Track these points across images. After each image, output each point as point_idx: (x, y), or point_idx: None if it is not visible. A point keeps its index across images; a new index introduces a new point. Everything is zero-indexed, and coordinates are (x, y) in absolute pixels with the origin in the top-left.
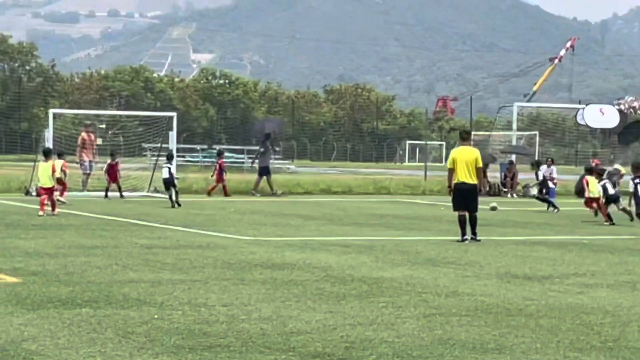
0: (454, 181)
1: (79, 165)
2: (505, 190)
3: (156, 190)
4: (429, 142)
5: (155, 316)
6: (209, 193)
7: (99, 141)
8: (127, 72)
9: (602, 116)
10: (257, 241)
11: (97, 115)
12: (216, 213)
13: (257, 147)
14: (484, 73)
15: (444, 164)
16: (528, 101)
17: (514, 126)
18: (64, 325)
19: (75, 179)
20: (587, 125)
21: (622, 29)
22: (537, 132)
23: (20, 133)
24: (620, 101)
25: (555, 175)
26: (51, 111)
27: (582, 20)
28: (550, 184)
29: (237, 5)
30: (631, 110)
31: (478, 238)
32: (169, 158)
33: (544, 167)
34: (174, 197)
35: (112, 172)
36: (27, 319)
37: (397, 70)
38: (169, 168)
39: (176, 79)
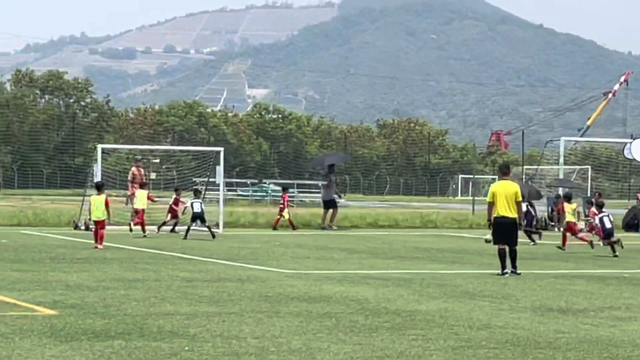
0: (494, 215)
1: (128, 199)
2: (552, 224)
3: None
4: (480, 176)
5: (186, 348)
6: (274, 227)
7: (153, 175)
8: (181, 108)
9: None
10: (297, 274)
11: (151, 150)
12: (260, 247)
13: (309, 182)
14: (539, 107)
15: None
16: (582, 135)
17: (561, 160)
18: (95, 357)
19: (125, 213)
20: (634, 159)
21: None
22: (589, 167)
23: (75, 168)
24: None
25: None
26: (99, 146)
27: (636, 54)
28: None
29: (291, 41)
30: None
31: (518, 271)
32: (197, 193)
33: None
34: (211, 229)
35: (174, 208)
36: (59, 350)
37: (452, 105)
38: (200, 203)
39: (230, 114)
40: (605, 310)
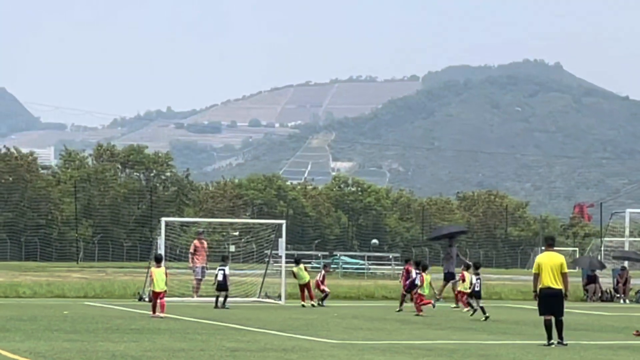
0: (540, 286)
1: (192, 271)
2: (618, 295)
3: (267, 296)
4: (561, 248)
5: None
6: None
7: (232, 248)
8: (260, 181)
9: None
10: (343, 345)
11: (210, 223)
12: (317, 317)
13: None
14: (625, 179)
15: (577, 269)
16: None
17: (627, 232)
18: None
19: (186, 285)
20: None
21: None
22: None
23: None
24: None
25: None
26: (163, 219)
27: None
28: None
29: (375, 114)
30: None
31: (565, 342)
32: (224, 260)
33: None
34: (221, 300)
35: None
36: None
37: (537, 177)
38: (224, 271)
39: (309, 187)
40: None
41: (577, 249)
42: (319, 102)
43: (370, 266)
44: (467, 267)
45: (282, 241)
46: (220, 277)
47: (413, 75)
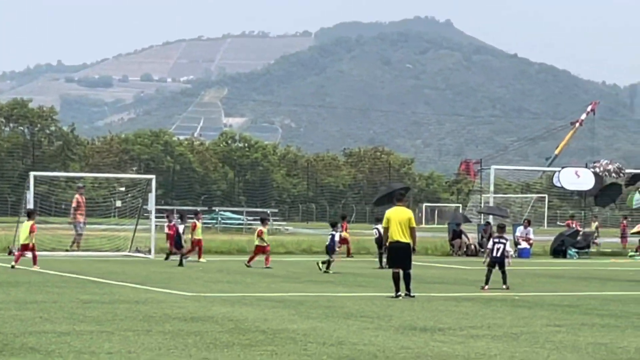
0: (389, 240)
1: (73, 226)
2: (482, 250)
3: (137, 250)
4: (446, 204)
5: None
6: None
7: (118, 203)
8: (147, 136)
9: (577, 179)
10: (196, 297)
11: (80, 178)
12: (181, 271)
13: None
14: (514, 136)
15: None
16: (549, 165)
17: (491, 188)
18: None
19: (58, 239)
20: (562, 188)
21: None
22: (546, 195)
23: (39, 196)
24: (595, 164)
25: (532, 236)
26: (32, 174)
27: (610, 84)
28: (526, 244)
29: (268, 70)
30: (606, 173)
31: (412, 294)
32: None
33: (520, 228)
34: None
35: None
36: None
37: (427, 134)
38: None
39: (196, 143)
40: (465, 329)
41: (460, 205)
42: (211, 57)
43: (249, 222)
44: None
45: (152, 196)
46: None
47: (305, 31)
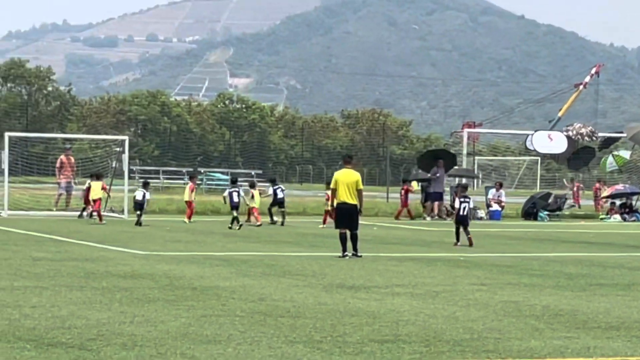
0: (336, 201)
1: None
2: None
3: (112, 210)
4: None
5: None
6: (396, 217)
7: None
8: (144, 97)
9: (550, 142)
10: (146, 255)
11: (67, 139)
12: (145, 231)
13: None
14: (520, 98)
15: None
16: (552, 127)
17: (464, 151)
18: None
19: (36, 199)
20: (535, 151)
21: None
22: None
23: (37, 156)
24: (568, 128)
25: (503, 198)
26: (7, 134)
27: (618, 46)
28: (498, 207)
29: (274, 30)
30: (579, 136)
31: (359, 254)
32: (145, 185)
33: (492, 191)
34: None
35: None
36: None
37: (433, 96)
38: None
39: (193, 104)
40: (390, 287)
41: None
42: (217, 17)
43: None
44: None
45: (125, 157)
46: (139, 197)
47: None
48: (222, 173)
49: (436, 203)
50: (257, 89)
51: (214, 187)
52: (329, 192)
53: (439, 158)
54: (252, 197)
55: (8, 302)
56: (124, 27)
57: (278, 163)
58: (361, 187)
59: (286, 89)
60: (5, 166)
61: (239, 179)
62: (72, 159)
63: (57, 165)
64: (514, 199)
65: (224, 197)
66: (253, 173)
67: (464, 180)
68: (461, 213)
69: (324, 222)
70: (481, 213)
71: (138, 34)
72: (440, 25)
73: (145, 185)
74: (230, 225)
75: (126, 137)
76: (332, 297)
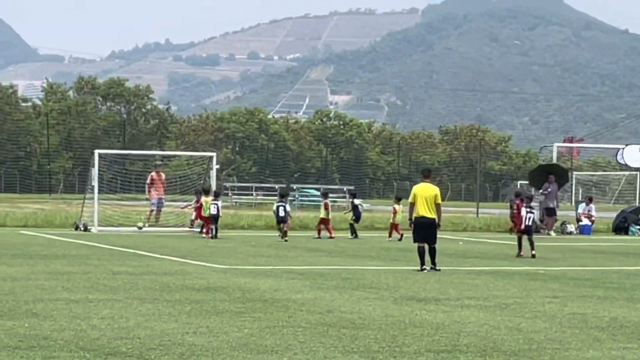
0: (414, 215)
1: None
2: (543, 227)
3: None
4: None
5: (26, 325)
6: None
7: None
8: (242, 114)
9: None
10: (225, 269)
11: (152, 155)
12: (229, 246)
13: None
14: (623, 113)
15: None
16: None
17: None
18: None
19: (127, 215)
20: (626, 165)
21: None
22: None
23: (136, 173)
24: None
25: (593, 213)
26: (96, 151)
27: None
28: (588, 221)
29: (374, 47)
30: None
31: (438, 268)
32: (216, 195)
33: (582, 205)
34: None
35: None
36: None
37: (535, 111)
38: (284, 206)
39: (290, 121)
40: (461, 300)
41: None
42: (317, 35)
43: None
44: (399, 200)
45: (213, 173)
46: (213, 210)
47: (412, 7)
48: (316, 189)
49: (551, 218)
50: (358, 105)
51: (306, 203)
52: (396, 206)
53: (551, 173)
54: (326, 207)
55: (78, 313)
56: (225, 45)
57: (375, 179)
58: (439, 201)
59: (387, 106)
60: (95, 183)
61: (331, 195)
62: (163, 176)
63: (148, 181)
64: (611, 214)
65: (273, 211)
66: (345, 189)
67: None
68: (526, 223)
69: (390, 236)
70: (571, 227)
71: (239, 52)
72: (543, 40)
73: (217, 196)
74: (280, 239)
75: (214, 154)
76: (400, 309)
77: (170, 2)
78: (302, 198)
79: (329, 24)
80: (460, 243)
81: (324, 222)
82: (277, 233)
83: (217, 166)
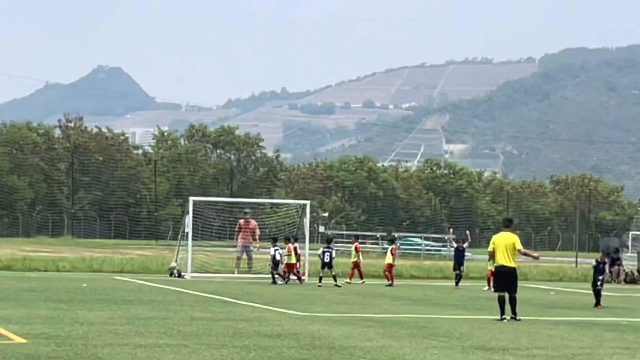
0: (495, 264)
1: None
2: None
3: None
4: None
5: None
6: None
7: (322, 229)
8: (352, 163)
9: None
10: (302, 316)
11: (237, 203)
12: (315, 293)
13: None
14: None
15: None
16: None
17: None
18: None
19: (220, 262)
20: None
21: None
22: None
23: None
24: None
25: None
26: (191, 199)
27: None
28: None
29: (490, 97)
30: None
31: (518, 317)
32: (274, 241)
33: None
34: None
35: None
36: None
37: None
38: (330, 252)
39: (400, 169)
40: (529, 350)
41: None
42: (433, 84)
43: (428, 248)
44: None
45: (306, 221)
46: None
47: (529, 57)
48: (420, 237)
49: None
50: (473, 154)
51: (409, 251)
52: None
53: None
54: (392, 253)
55: (142, 358)
56: (341, 94)
57: (485, 228)
58: (520, 247)
59: (502, 155)
60: (189, 229)
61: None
62: (252, 223)
63: (236, 228)
64: None
65: (319, 255)
66: (446, 238)
67: None
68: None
69: (488, 284)
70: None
71: (355, 100)
72: None
73: (275, 241)
74: (335, 284)
75: (307, 202)
76: (465, 357)
77: (286, 51)
78: (405, 246)
79: (445, 72)
80: (552, 293)
81: (389, 267)
82: (359, 280)
83: (326, 214)
